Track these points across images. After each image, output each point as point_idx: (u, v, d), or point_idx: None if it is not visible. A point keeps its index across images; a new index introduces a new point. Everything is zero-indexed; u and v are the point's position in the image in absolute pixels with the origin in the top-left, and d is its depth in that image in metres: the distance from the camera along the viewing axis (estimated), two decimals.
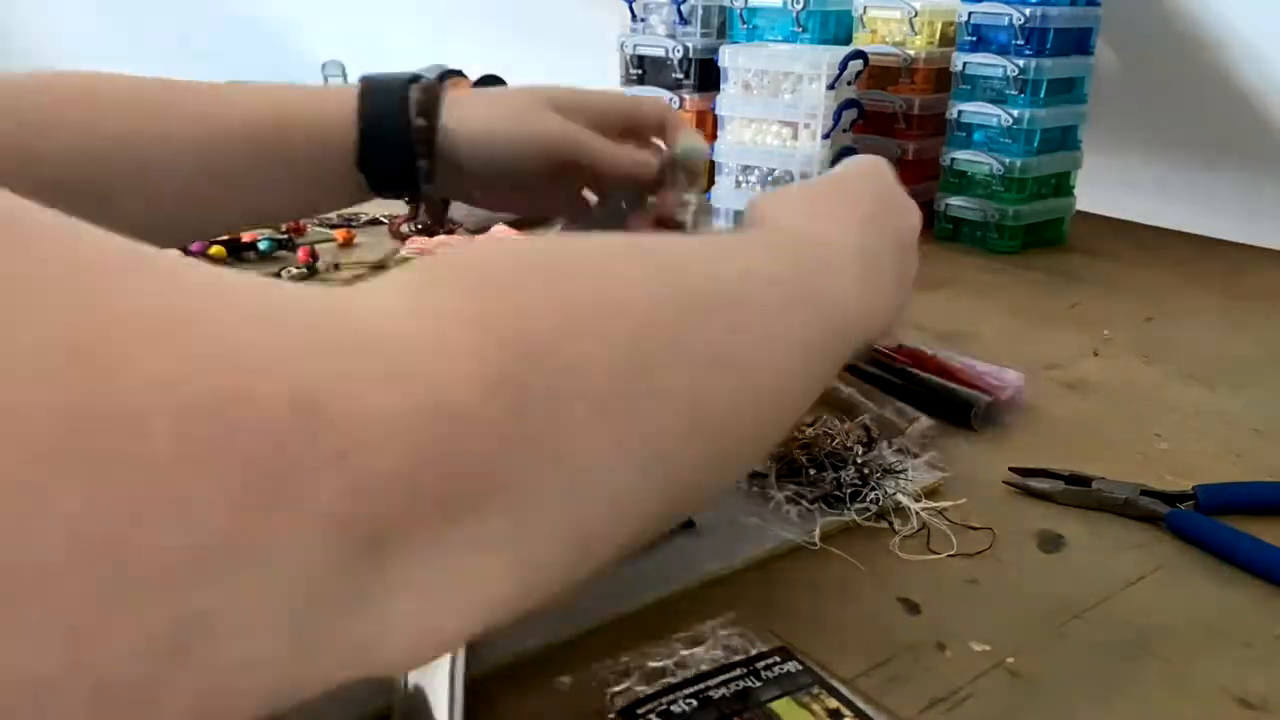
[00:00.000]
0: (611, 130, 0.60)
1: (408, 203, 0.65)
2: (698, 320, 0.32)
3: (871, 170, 0.50)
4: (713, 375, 0.31)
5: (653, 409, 0.28)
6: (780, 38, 1.04)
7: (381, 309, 0.24)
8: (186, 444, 0.18)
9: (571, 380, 0.26)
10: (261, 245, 0.88)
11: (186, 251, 0.85)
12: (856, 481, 0.50)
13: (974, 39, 0.96)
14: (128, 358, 0.18)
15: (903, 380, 0.62)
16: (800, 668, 0.37)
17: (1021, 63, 0.92)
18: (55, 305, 0.17)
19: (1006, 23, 0.93)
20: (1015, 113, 0.94)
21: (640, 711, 0.35)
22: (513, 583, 0.24)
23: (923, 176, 1.03)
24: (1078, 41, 0.96)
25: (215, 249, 0.86)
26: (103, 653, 0.17)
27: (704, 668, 0.37)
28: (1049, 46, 0.92)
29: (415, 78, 0.59)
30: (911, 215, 0.50)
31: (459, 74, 1.45)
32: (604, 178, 0.61)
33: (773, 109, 0.98)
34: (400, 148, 0.57)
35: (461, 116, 0.58)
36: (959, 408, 0.60)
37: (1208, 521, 0.49)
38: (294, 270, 0.82)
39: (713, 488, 0.34)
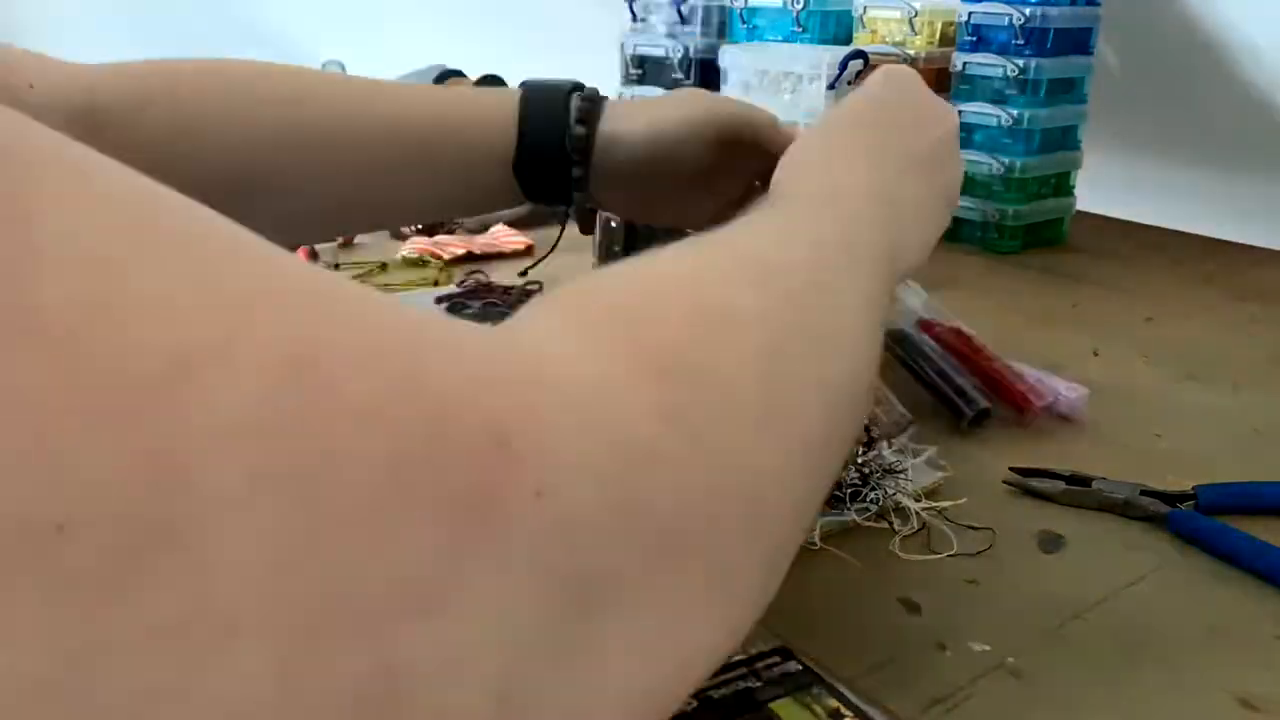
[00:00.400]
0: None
1: (557, 212, 0.64)
2: (801, 303, 0.31)
3: (893, 84, 0.47)
4: (825, 354, 0.31)
5: (798, 403, 0.28)
6: (780, 38, 1.04)
7: (543, 340, 0.23)
8: (396, 474, 0.17)
9: (727, 396, 0.25)
10: None
11: None
12: (856, 481, 0.50)
13: (974, 39, 0.96)
14: (336, 380, 0.17)
15: (910, 374, 0.62)
16: (800, 668, 0.37)
17: (1021, 63, 0.92)
18: (275, 321, 0.17)
19: (1006, 23, 0.93)
20: (1015, 113, 0.94)
21: None
22: (722, 627, 0.23)
23: None
24: (1078, 41, 0.96)
25: None
26: (312, 692, 0.16)
27: None
28: (1049, 46, 0.92)
29: (578, 86, 0.58)
30: (943, 123, 0.47)
31: (459, 74, 1.45)
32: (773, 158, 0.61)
33: (773, 109, 0.97)
34: (557, 155, 0.56)
35: (623, 118, 0.57)
36: (954, 409, 0.60)
37: (1208, 521, 0.49)
38: None
39: (838, 460, 0.33)
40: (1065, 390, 0.62)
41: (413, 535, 0.17)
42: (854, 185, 0.42)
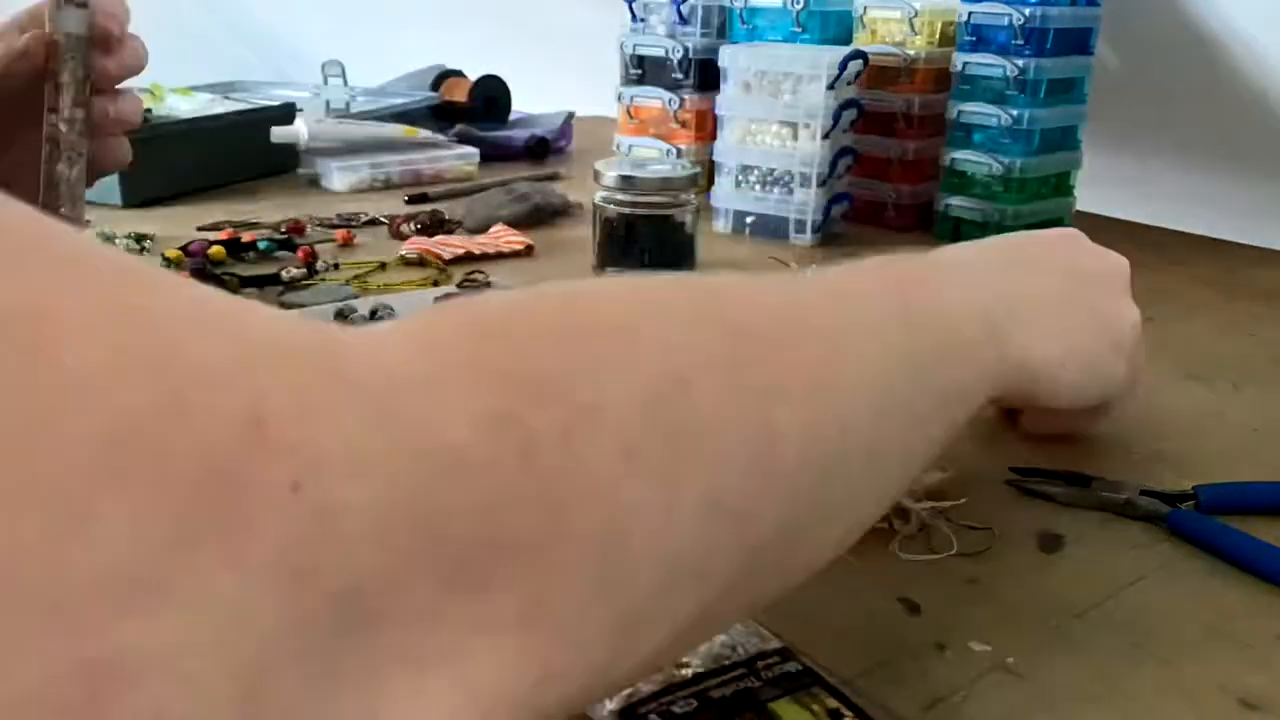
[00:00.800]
0: None
1: None
2: (754, 346, 0.28)
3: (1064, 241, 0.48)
4: (778, 403, 0.27)
5: (704, 445, 0.24)
6: (780, 38, 1.04)
7: (370, 344, 0.21)
8: (112, 452, 0.15)
9: (591, 417, 0.22)
10: (261, 245, 0.88)
11: (187, 253, 0.85)
12: None
13: (974, 39, 0.96)
14: (58, 345, 0.15)
15: None
16: (800, 668, 0.37)
17: (1021, 63, 0.92)
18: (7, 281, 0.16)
19: (1006, 23, 0.93)
20: (1015, 113, 0.93)
21: (641, 711, 0.35)
22: (532, 673, 0.21)
23: (923, 176, 1.03)
24: (1078, 41, 0.96)
25: (215, 249, 0.86)
26: (6, 691, 0.14)
27: (704, 668, 0.37)
28: (1049, 46, 0.92)
29: None
30: (1125, 316, 0.49)
31: (459, 74, 1.45)
32: None
33: (773, 109, 0.98)
34: None
35: None
36: None
37: (1208, 521, 0.49)
38: (294, 270, 0.82)
39: (810, 552, 0.29)
40: None
41: (119, 525, 0.15)
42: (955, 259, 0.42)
